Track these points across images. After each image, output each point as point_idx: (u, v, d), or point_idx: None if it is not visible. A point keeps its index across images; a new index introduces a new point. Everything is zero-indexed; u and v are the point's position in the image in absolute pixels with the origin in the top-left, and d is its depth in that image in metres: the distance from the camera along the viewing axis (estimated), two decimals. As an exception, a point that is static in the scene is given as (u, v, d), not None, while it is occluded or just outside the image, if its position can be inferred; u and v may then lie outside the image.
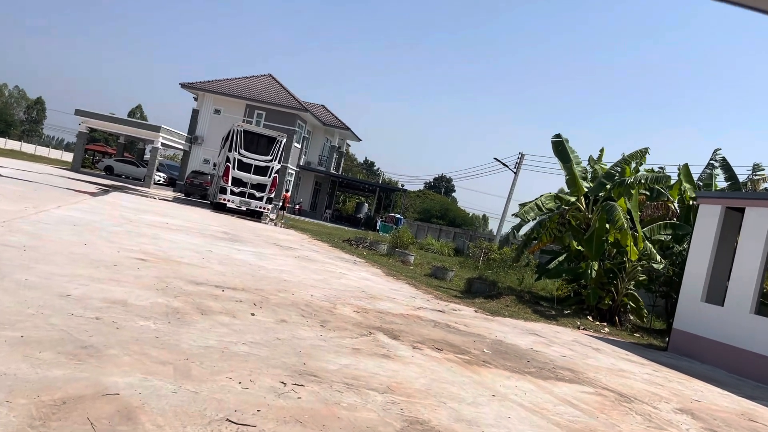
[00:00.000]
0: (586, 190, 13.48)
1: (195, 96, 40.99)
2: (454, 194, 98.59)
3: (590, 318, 12.38)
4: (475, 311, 10.67)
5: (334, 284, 10.04)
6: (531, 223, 14.02)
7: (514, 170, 27.18)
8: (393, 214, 43.92)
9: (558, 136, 14.31)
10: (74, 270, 6.43)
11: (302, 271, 10.82)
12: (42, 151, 71.02)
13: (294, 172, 41.46)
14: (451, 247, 30.61)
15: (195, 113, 39.59)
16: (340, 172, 52.07)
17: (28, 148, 68.24)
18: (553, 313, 12.27)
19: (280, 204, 29.35)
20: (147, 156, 42.01)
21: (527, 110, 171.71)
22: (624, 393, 6.33)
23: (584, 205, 13.53)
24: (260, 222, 24.59)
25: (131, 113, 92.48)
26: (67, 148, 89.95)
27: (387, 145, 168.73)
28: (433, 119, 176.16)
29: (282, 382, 4.16)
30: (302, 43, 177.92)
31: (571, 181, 13.53)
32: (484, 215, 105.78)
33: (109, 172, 40.69)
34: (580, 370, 7.10)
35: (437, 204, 74.81)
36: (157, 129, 34.50)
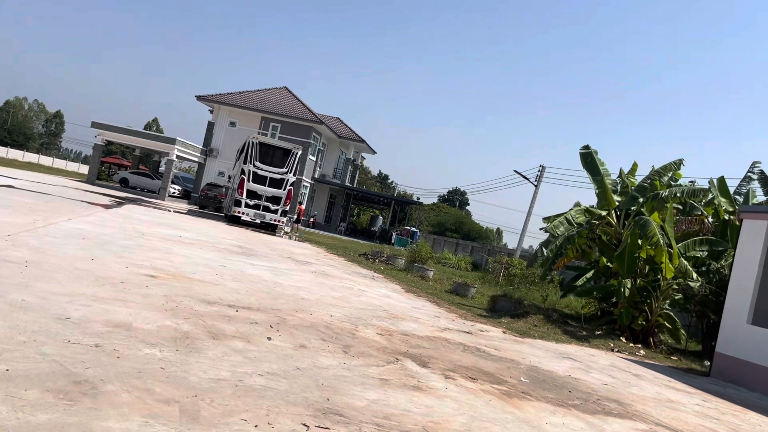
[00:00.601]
0: (617, 203, 12.79)
1: (210, 108, 40.97)
2: (467, 207, 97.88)
3: (623, 339, 11.66)
4: (504, 332, 10.03)
5: (354, 302, 9.48)
6: (557, 238, 13.30)
7: (535, 183, 26.51)
8: (408, 228, 43.35)
9: (586, 147, 13.66)
10: (77, 288, 5.95)
11: (320, 288, 10.28)
12: (59, 163, 71.71)
13: (309, 185, 41.14)
14: (469, 261, 29.95)
15: (210, 126, 39.52)
16: (354, 185, 51.65)
17: (45, 160, 68.90)
18: (584, 333, 11.58)
19: (295, 217, 28.96)
20: (162, 168, 41.99)
21: (544, 123, 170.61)
22: (680, 430, 5.67)
23: (615, 220, 12.84)
24: (275, 235, 24.16)
25: (147, 126, 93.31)
26: (85, 160, 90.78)
27: (401, 158, 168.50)
28: (448, 132, 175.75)
29: (304, 425, 3.60)
30: (319, 56, 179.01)
31: (602, 194, 12.86)
32: (497, 229, 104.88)
33: (124, 184, 40.67)
34: (626, 402, 6.45)
35: (451, 217, 74.14)
36: (172, 141, 34.40)
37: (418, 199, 56.37)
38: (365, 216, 64.26)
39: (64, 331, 4.43)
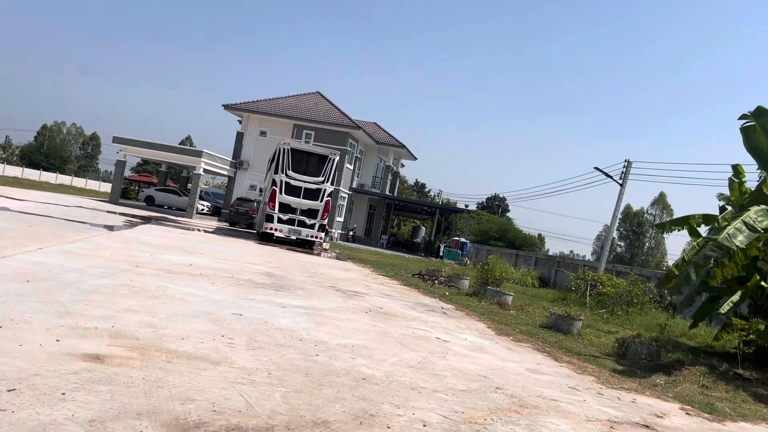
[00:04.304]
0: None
1: (240, 118, 38.25)
2: (508, 214, 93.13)
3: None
4: (685, 412, 6.22)
5: (445, 375, 5.85)
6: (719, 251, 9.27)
7: (620, 182, 22.34)
8: (457, 239, 39.49)
9: (747, 116, 9.41)
10: None
11: (385, 345, 6.70)
12: (93, 184, 70.64)
13: (346, 196, 37.82)
14: (536, 276, 25.91)
15: (240, 136, 36.71)
16: (395, 194, 48.15)
17: (79, 182, 67.89)
18: (786, 399, 7.63)
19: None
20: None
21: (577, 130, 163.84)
22: None
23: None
24: (312, 253, 20.78)
25: (181, 144, 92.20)
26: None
27: (437, 165, 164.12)
28: (486, 138, 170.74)
29: None
30: (349, 61, 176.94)
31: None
32: (539, 235, 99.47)
33: (149, 202, 38.21)
34: None
35: (495, 225, 69.92)
36: (198, 154, 31.68)
37: (467, 206, 52.15)
38: (406, 227, 60.64)
39: None
